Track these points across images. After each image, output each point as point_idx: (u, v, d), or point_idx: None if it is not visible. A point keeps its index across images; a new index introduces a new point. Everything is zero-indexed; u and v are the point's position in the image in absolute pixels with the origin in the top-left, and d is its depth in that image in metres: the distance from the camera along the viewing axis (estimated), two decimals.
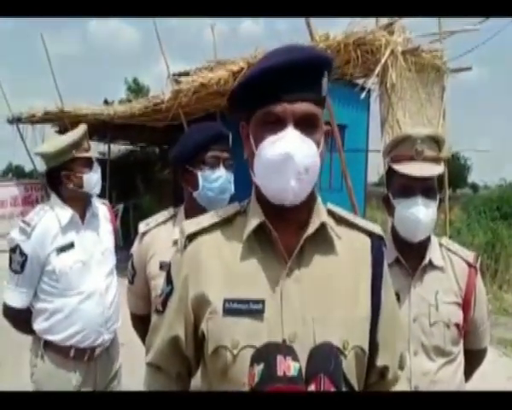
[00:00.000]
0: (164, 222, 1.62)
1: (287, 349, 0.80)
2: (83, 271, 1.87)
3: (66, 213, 1.87)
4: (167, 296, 0.96)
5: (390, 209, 1.46)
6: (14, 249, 1.79)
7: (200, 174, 1.53)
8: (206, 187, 1.53)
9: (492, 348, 4.31)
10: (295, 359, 0.79)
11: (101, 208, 2.07)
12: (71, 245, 1.86)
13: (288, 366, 0.77)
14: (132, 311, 1.74)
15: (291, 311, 0.85)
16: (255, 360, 0.80)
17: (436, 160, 1.39)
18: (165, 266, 1.48)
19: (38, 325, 1.85)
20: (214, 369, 0.88)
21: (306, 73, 0.83)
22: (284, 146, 0.82)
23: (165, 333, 0.95)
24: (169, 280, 0.97)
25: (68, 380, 1.84)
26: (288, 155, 0.81)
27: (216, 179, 1.53)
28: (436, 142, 1.42)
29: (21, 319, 1.86)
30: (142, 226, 1.63)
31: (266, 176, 0.85)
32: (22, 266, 1.77)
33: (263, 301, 0.85)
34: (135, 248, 1.64)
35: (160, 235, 1.58)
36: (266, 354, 0.79)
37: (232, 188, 1.60)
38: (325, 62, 0.86)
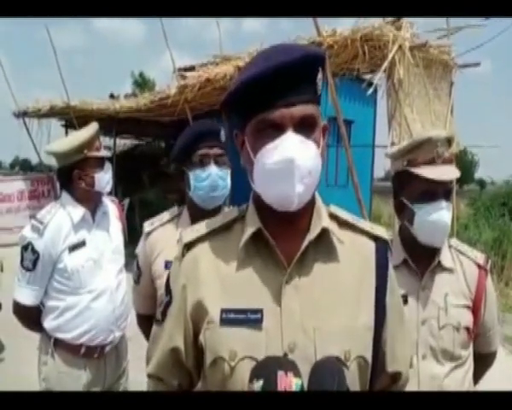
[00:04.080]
0: (168, 221, 1.62)
1: (288, 364, 0.76)
2: (94, 269, 1.87)
3: (77, 211, 1.87)
4: (167, 306, 0.94)
5: (404, 215, 1.41)
6: (26, 247, 1.78)
7: (191, 174, 1.53)
8: (197, 187, 1.53)
9: (499, 346, 4.30)
10: (297, 374, 0.75)
11: (111, 206, 2.07)
12: (82, 243, 1.85)
13: (290, 383, 0.73)
14: (139, 311, 1.73)
15: (291, 320, 0.82)
16: (255, 375, 0.76)
17: (451, 160, 1.37)
18: (171, 265, 1.51)
19: (49, 323, 1.85)
20: (213, 381, 0.85)
21: (300, 75, 0.79)
22: (286, 152, 0.78)
23: (165, 344, 0.92)
24: (168, 290, 0.95)
25: (78, 378, 1.84)
26: (291, 161, 0.78)
27: (206, 178, 1.52)
28: (449, 142, 1.40)
29: (31, 316, 1.87)
30: (146, 226, 1.62)
31: (268, 184, 0.81)
32: (34, 263, 1.77)
33: (261, 311, 0.82)
34: (140, 248, 1.64)
35: (164, 234, 1.58)
36: (266, 369, 0.76)
37: (227, 184, 1.57)
38: (318, 60, 0.82)
